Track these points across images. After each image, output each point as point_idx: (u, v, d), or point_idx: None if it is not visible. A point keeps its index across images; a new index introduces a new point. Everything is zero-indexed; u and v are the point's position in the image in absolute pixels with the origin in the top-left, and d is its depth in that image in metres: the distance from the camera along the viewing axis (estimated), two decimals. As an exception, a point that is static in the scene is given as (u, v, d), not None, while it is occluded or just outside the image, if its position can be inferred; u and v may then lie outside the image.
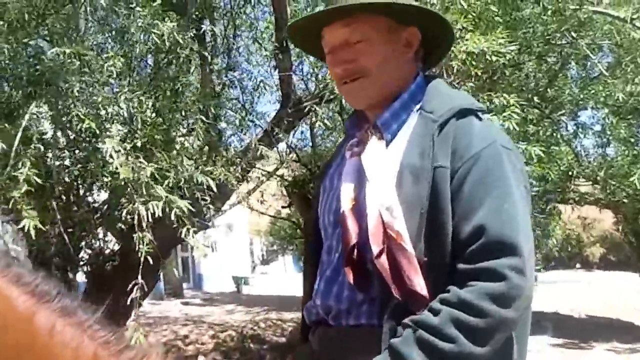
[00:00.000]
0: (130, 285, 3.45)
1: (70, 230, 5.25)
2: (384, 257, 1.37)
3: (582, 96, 7.87)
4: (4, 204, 3.61)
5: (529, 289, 1.33)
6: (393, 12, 1.54)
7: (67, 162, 4.82)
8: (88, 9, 4.56)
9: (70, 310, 1.00)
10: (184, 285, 20.22)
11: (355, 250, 1.44)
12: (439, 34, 1.62)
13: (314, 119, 6.34)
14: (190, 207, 3.58)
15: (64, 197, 5.29)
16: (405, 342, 1.31)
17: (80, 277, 5.89)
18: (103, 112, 3.65)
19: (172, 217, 3.52)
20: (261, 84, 6.34)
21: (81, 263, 5.81)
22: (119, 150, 3.38)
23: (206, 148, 5.22)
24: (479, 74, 4.41)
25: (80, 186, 5.47)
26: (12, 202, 3.27)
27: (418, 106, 1.53)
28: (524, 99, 6.61)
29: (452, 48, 4.25)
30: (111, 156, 3.32)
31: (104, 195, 5.47)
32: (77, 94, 3.63)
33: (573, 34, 6.04)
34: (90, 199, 5.69)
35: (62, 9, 4.70)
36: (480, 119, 1.47)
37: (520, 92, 7.06)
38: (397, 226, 1.36)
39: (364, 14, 1.52)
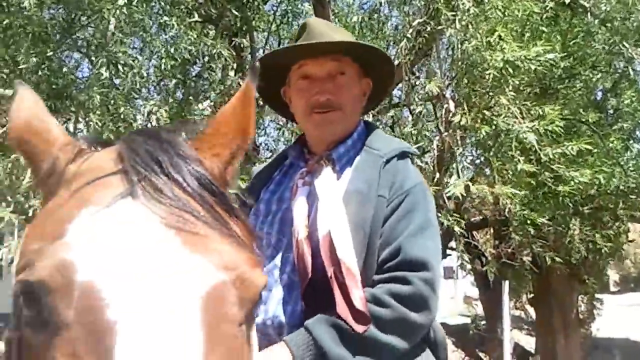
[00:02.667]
0: None
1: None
2: (333, 279, 1.62)
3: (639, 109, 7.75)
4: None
5: (435, 302, 1.66)
6: (361, 60, 1.87)
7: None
8: (119, 19, 4.66)
9: None
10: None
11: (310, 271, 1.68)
12: (381, 87, 1.99)
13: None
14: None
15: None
16: (317, 322, 1.60)
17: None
18: (121, 124, 3.73)
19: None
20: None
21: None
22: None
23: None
24: (517, 82, 4.39)
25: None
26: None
27: (363, 145, 1.86)
28: (573, 111, 6.52)
29: (488, 57, 4.29)
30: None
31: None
32: (97, 106, 3.74)
33: (626, 44, 5.93)
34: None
35: (90, 22, 4.85)
36: (413, 161, 1.88)
37: (572, 105, 6.97)
38: (344, 250, 1.62)
39: (345, 56, 1.84)
